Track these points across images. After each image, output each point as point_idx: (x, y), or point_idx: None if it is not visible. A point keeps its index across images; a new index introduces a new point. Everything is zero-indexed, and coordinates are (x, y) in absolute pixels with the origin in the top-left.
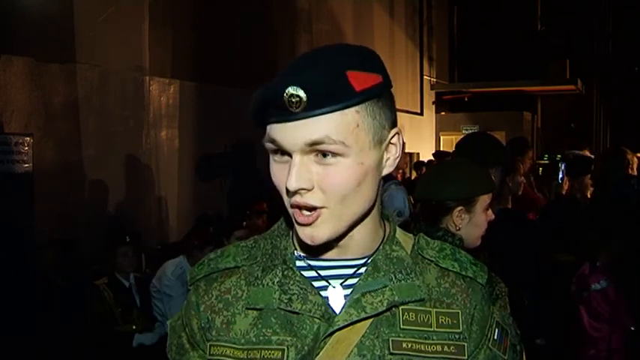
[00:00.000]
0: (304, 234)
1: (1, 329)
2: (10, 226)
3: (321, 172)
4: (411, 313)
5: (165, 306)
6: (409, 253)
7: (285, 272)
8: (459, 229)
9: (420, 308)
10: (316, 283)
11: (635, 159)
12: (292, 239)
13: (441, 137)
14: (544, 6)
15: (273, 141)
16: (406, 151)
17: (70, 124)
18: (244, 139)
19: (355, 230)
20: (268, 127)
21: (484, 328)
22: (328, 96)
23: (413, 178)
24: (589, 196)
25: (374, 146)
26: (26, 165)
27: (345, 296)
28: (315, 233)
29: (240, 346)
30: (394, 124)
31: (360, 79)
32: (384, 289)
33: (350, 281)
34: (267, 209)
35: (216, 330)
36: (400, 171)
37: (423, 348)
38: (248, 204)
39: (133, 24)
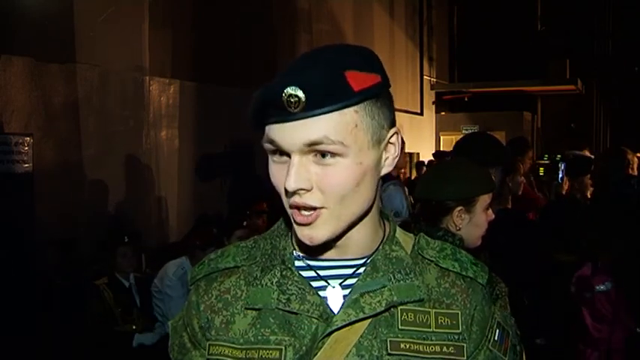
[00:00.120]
0: (303, 234)
1: (1, 329)
2: (10, 226)
3: (319, 172)
4: (409, 314)
5: (166, 306)
6: (409, 253)
7: (284, 272)
8: (459, 229)
9: (419, 309)
10: (315, 283)
11: (636, 159)
12: (291, 239)
13: (441, 137)
14: (544, 6)
15: (271, 141)
16: (406, 151)
17: (70, 124)
18: (244, 139)
19: (354, 230)
20: (267, 127)
21: (484, 329)
22: (327, 96)
23: (413, 178)
24: (589, 196)
25: (372, 146)
26: (26, 165)
27: (344, 296)
28: (314, 234)
29: (239, 346)
30: (393, 124)
31: (358, 79)
32: (382, 290)
33: (349, 281)
34: (267, 209)
35: (215, 329)
36: (402, 170)
37: (421, 349)
38: (248, 204)
39: (133, 24)
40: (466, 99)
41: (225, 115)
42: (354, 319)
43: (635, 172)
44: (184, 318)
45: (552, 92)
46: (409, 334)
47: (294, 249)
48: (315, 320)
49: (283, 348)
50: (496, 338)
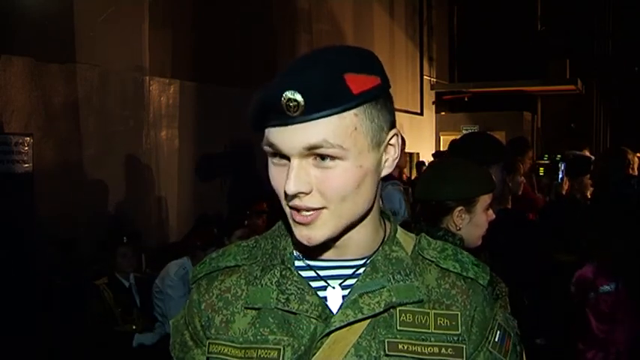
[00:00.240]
0: (301, 234)
1: (1, 329)
2: (10, 226)
3: (319, 175)
4: (408, 315)
5: (166, 306)
6: (410, 253)
7: (284, 272)
8: (460, 229)
9: (418, 309)
10: (314, 284)
11: (636, 159)
12: (292, 239)
13: (441, 137)
14: (544, 6)
15: (271, 145)
16: (406, 151)
17: (70, 124)
18: (244, 139)
19: (354, 231)
20: (266, 130)
21: (484, 330)
22: (326, 100)
23: (413, 178)
24: (589, 196)
25: (372, 148)
26: (26, 165)
27: (344, 297)
28: (312, 234)
29: (238, 345)
30: (393, 125)
31: (357, 82)
32: (381, 290)
33: (349, 282)
34: (267, 209)
35: (215, 328)
36: (405, 170)
37: (419, 349)
38: (248, 204)
39: (133, 24)
40: (466, 99)
41: (225, 115)
42: (352, 319)
43: (635, 172)
44: (186, 316)
45: (552, 92)
46: (408, 334)
47: (294, 249)
48: (314, 320)
49: (282, 348)
50: (496, 340)
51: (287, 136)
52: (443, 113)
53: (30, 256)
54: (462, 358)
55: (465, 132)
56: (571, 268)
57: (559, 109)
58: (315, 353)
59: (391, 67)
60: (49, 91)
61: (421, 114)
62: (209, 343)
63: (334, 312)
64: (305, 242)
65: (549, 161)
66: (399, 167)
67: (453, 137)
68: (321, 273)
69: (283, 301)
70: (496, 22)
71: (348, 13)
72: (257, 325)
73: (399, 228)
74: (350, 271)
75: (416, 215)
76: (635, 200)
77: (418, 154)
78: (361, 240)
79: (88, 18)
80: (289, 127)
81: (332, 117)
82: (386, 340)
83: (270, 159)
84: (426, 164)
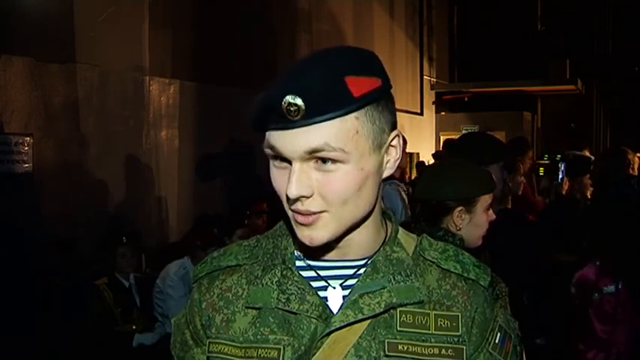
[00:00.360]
0: (303, 235)
1: (1, 329)
2: (10, 226)
3: (320, 178)
4: (408, 315)
5: (166, 306)
6: (411, 254)
7: (284, 272)
8: (460, 229)
9: (419, 310)
10: (315, 284)
11: (636, 159)
12: (293, 239)
13: (441, 137)
14: (544, 6)
15: (272, 148)
16: (406, 151)
17: (70, 124)
18: (244, 139)
19: (356, 232)
20: (267, 133)
21: (485, 332)
22: (327, 103)
23: (413, 178)
24: (589, 196)
25: (374, 151)
26: (26, 165)
27: (344, 297)
28: (314, 234)
29: (239, 344)
30: (394, 127)
31: (358, 85)
32: (382, 291)
33: (350, 282)
34: (267, 209)
35: (216, 327)
36: (407, 170)
37: (419, 350)
38: (248, 204)
39: (133, 24)
40: (466, 99)
41: (225, 115)
42: (352, 319)
43: (635, 172)
44: (187, 315)
45: (552, 92)
46: (408, 335)
47: (296, 249)
48: (314, 320)
49: (282, 347)
50: (497, 341)
51: (288, 140)
52: (443, 113)
53: (30, 256)
54: (461, 359)
55: (465, 132)
56: (571, 268)
57: (559, 109)
58: (315, 353)
59: (391, 67)
60: (49, 91)
61: (421, 114)
62: (209, 342)
63: (334, 312)
64: (307, 243)
65: (549, 161)
66: (400, 168)
67: (453, 137)
68: (322, 273)
69: (284, 300)
70: (496, 22)
71: (348, 13)
72: (257, 325)
73: (400, 229)
74: (351, 272)
75: (416, 215)
76: (635, 200)
77: (418, 154)
78: (362, 241)
79: (88, 18)
80: (290, 130)
81: (333, 120)
82: (386, 341)
83: (271, 161)
84: (426, 164)
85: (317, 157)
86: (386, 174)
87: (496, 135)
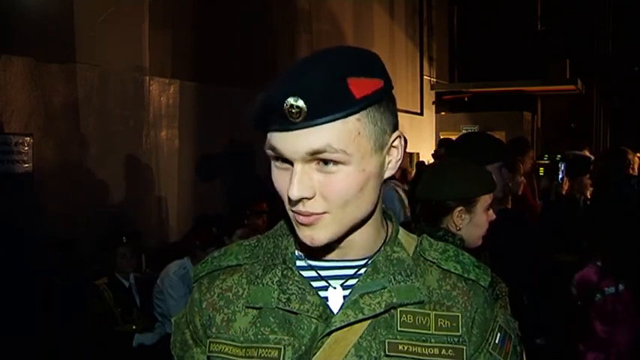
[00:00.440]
0: (304, 235)
1: (1, 329)
2: (10, 226)
3: (322, 180)
4: (409, 315)
5: (166, 306)
6: (411, 254)
7: (285, 272)
8: (460, 229)
9: (419, 310)
10: (316, 284)
11: (636, 159)
12: (294, 239)
13: (441, 137)
14: (544, 6)
15: (273, 149)
16: (407, 151)
17: (70, 124)
18: (244, 139)
19: (356, 232)
20: (269, 134)
21: (485, 332)
22: (328, 105)
23: (411, 178)
24: (589, 196)
25: (375, 152)
26: (26, 165)
27: (345, 297)
28: (316, 235)
29: (239, 344)
30: (396, 127)
31: (360, 86)
32: (382, 291)
33: (350, 282)
34: (267, 209)
35: (216, 327)
36: (409, 170)
37: (419, 350)
38: (248, 204)
39: (133, 24)
40: (466, 99)
41: (225, 115)
42: (353, 319)
43: (635, 172)
44: (187, 315)
45: (552, 92)
46: (408, 335)
47: (296, 249)
48: (315, 320)
49: (282, 347)
50: (497, 341)
51: (290, 141)
52: (443, 113)
53: (30, 256)
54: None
55: (464, 132)
56: (571, 268)
57: (559, 109)
58: (315, 353)
59: (391, 67)
60: (49, 91)
61: (421, 114)
62: (210, 342)
63: (335, 312)
64: (308, 243)
65: (549, 161)
66: (402, 168)
67: (453, 137)
68: (323, 273)
69: (284, 300)
70: (496, 22)
71: (348, 13)
72: (258, 325)
73: (400, 229)
74: (351, 272)
75: (416, 215)
76: (635, 200)
77: (418, 154)
78: (363, 241)
79: (88, 18)
80: (292, 132)
81: (335, 122)
82: (386, 341)
83: (272, 162)
84: (426, 164)
85: (318, 158)
86: (387, 175)
87: (496, 135)
